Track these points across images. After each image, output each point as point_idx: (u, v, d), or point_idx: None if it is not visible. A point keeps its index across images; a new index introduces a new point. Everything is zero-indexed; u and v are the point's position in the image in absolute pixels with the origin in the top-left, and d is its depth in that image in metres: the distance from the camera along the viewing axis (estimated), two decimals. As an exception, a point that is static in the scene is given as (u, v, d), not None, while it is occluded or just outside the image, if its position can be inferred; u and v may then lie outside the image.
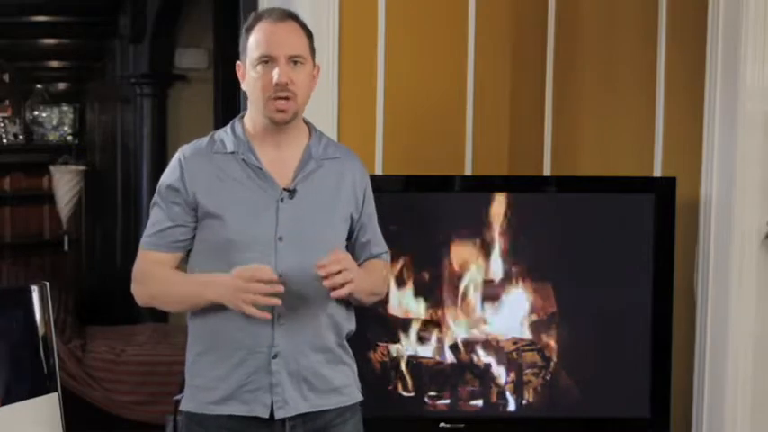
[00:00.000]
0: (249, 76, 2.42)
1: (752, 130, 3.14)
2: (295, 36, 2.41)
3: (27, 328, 2.55)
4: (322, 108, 3.24)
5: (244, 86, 2.47)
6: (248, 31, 2.43)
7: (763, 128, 3.15)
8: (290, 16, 2.44)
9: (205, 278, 2.41)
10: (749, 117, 3.13)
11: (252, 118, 2.47)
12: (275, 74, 2.37)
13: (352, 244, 2.55)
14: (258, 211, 2.40)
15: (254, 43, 2.41)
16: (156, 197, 2.49)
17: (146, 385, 5.40)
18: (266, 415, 2.41)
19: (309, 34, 2.46)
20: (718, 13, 3.16)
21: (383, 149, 3.49)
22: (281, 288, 2.31)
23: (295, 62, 2.40)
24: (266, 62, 2.38)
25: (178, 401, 2.51)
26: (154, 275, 2.46)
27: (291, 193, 2.42)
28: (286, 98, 2.39)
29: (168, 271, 2.46)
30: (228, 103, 6.19)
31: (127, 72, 7.21)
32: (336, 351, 2.50)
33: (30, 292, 2.58)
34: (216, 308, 2.39)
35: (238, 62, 2.47)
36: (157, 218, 2.47)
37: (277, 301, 2.31)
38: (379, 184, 2.66)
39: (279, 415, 2.41)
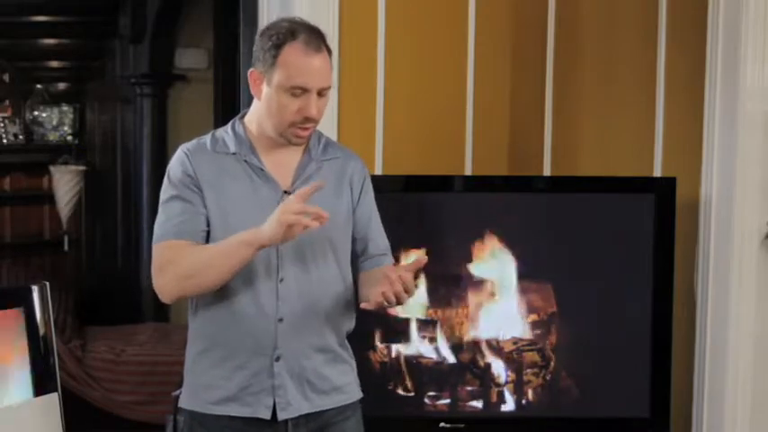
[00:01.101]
0: (273, 97, 2.36)
1: (752, 130, 3.14)
2: (328, 67, 2.39)
3: (27, 327, 2.54)
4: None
5: (255, 93, 2.42)
6: (278, 47, 2.34)
7: (763, 128, 3.15)
8: (323, 42, 2.39)
9: (237, 234, 2.32)
10: (749, 117, 3.13)
11: (259, 124, 2.44)
12: (307, 106, 2.35)
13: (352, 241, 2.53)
14: (260, 211, 2.38)
15: (287, 69, 2.34)
16: (170, 191, 2.41)
17: (146, 385, 5.40)
18: (268, 416, 2.41)
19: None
20: (718, 13, 3.16)
21: (383, 149, 3.49)
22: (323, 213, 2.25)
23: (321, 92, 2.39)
24: (298, 91, 2.35)
25: (177, 397, 2.50)
26: (183, 253, 2.35)
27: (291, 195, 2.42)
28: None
29: (196, 245, 2.37)
30: (228, 103, 6.20)
31: (127, 72, 7.20)
32: (338, 350, 2.49)
33: (30, 292, 2.57)
34: (219, 306, 2.39)
35: (252, 69, 2.40)
36: (178, 209, 2.39)
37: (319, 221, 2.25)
38: (379, 184, 2.66)
39: (282, 416, 2.41)
